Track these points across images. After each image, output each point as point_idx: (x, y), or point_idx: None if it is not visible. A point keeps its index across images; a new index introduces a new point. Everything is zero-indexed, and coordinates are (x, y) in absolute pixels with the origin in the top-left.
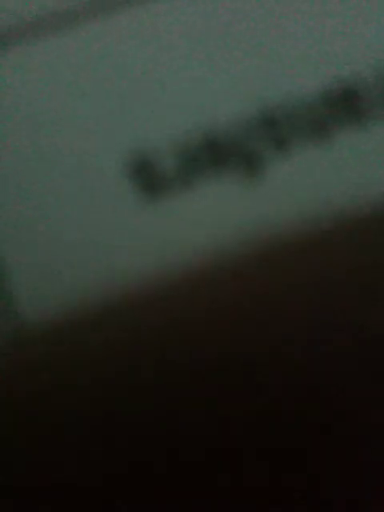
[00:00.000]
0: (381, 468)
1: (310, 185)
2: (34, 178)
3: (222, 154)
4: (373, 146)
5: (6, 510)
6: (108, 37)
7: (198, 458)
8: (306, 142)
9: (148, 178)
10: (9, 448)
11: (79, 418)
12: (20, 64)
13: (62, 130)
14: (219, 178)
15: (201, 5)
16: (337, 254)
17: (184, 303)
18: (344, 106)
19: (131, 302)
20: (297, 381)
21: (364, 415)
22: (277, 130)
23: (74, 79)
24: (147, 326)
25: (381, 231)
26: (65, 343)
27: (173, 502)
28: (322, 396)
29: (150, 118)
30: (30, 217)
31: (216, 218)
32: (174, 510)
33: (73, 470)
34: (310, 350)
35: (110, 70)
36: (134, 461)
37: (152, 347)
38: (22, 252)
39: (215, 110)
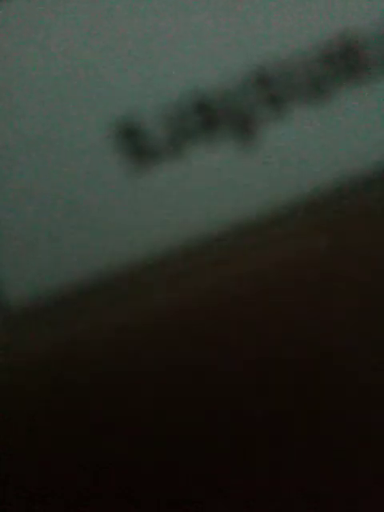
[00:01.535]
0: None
1: (308, 146)
2: (18, 150)
3: (213, 117)
4: (373, 104)
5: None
6: (96, 5)
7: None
8: (302, 102)
9: (136, 146)
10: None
11: (71, 399)
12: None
13: (47, 98)
14: (211, 143)
15: None
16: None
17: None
18: (342, 62)
19: (121, 282)
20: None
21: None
22: (271, 90)
23: (59, 47)
24: (138, 307)
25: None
26: (52, 324)
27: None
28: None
29: (137, 82)
30: (15, 190)
31: (209, 186)
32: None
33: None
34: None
35: (96, 36)
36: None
37: (141, 327)
38: (6, 229)
39: (205, 70)
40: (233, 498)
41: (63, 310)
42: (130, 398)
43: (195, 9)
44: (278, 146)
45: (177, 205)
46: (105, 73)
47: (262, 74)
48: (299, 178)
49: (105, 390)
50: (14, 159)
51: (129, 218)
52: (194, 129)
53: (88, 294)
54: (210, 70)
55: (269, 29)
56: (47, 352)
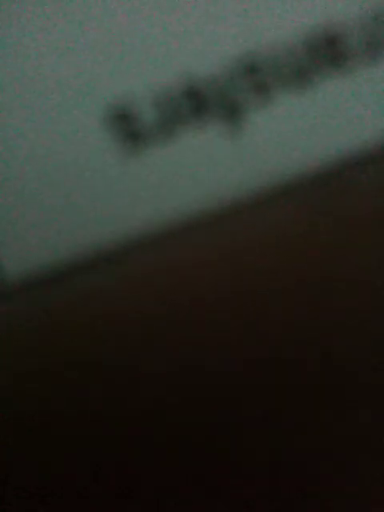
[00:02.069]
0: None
1: (293, 131)
2: (13, 133)
3: (203, 101)
4: (355, 91)
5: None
6: None
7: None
8: (287, 89)
9: (129, 129)
10: None
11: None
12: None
13: (41, 84)
14: (201, 127)
15: None
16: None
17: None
18: (326, 51)
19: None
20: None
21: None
22: (258, 77)
23: (53, 33)
24: (131, 278)
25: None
26: (48, 295)
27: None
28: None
29: (130, 67)
30: (11, 172)
31: (199, 168)
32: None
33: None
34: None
35: (90, 23)
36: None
37: (127, 297)
38: (4, 209)
39: (196, 58)
40: (230, 497)
41: (57, 285)
42: (121, 367)
43: (188, 3)
44: (264, 131)
45: (168, 186)
46: (99, 60)
47: (250, 63)
48: (284, 161)
49: (97, 360)
50: (10, 143)
51: (121, 199)
52: (184, 113)
53: (81, 270)
54: (200, 58)
55: (256, 20)
56: (42, 322)
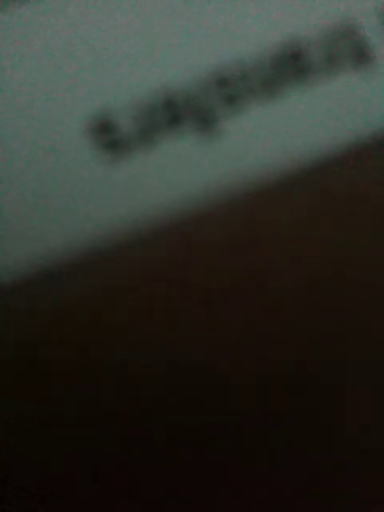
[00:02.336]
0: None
1: (262, 138)
2: (2, 147)
3: (179, 112)
4: (318, 101)
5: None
6: (72, 5)
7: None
8: (256, 99)
9: (109, 138)
10: None
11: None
12: None
13: (25, 93)
14: (177, 135)
15: None
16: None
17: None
18: (290, 65)
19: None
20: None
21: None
22: (229, 89)
23: (37, 45)
24: (118, 281)
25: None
26: (38, 297)
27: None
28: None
29: (111, 81)
30: (3, 181)
31: (176, 174)
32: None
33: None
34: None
35: (72, 35)
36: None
37: (115, 294)
38: None
39: (172, 72)
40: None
41: (48, 284)
42: (119, 367)
43: (163, 19)
44: (235, 138)
45: (148, 191)
46: (80, 74)
47: (221, 76)
48: (253, 166)
49: (92, 359)
50: None
51: (104, 203)
52: (161, 123)
53: (62, 271)
54: (175, 71)
55: (226, 36)
56: (35, 322)
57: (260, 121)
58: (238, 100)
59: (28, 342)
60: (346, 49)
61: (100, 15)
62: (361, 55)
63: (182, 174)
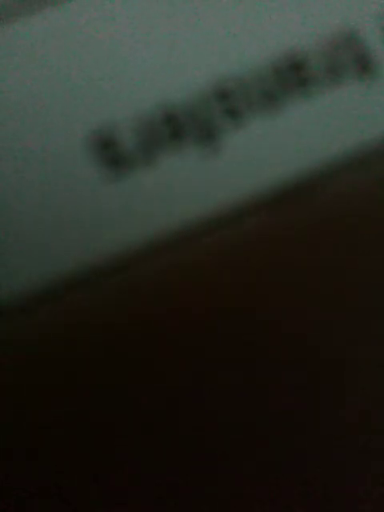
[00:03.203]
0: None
1: (264, 152)
2: (4, 162)
3: (180, 127)
4: (319, 113)
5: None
6: (70, 18)
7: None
8: (258, 112)
9: (111, 154)
10: None
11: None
12: None
13: (26, 109)
14: (179, 150)
15: None
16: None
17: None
18: (291, 77)
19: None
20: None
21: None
22: (230, 102)
23: (37, 59)
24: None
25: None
26: (37, 319)
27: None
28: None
29: (111, 97)
30: (3, 197)
31: (179, 188)
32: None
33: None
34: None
35: (72, 50)
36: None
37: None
38: None
39: (172, 86)
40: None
41: (49, 304)
42: (119, 384)
43: (163, 32)
44: (237, 153)
45: (150, 206)
46: (81, 89)
47: (222, 89)
48: (256, 180)
49: (94, 380)
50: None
51: (105, 220)
52: (162, 138)
53: (65, 290)
54: (175, 85)
55: (226, 49)
56: (36, 343)
57: (262, 134)
58: (239, 113)
59: (28, 361)
60: (348, 59)
61: (100, 30)
62: (363, 65)
63: (184, 188)
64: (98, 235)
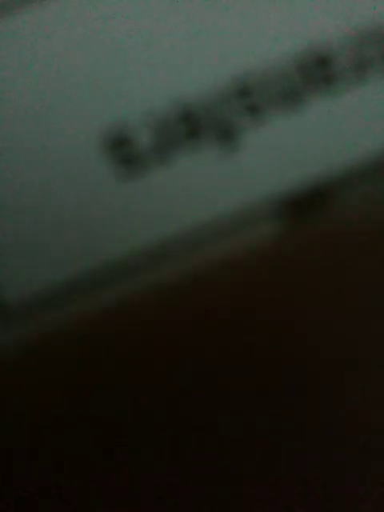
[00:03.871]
0: None
1: (285, 151)
2: (16, 160)
3: (197, 125)
4: (344, 111)
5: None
6: (86, 16)
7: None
8: (279, 109)
9: (126, 153)
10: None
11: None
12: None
13: (41, 108)
14: (196, 149)
15: None
16: None
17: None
18: (315, 72)
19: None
20: None
21: None
22: (250, 99)
23: (52, 58)
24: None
25: None
26: (48, 317)
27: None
28: None
29: (126, 96)
30: (13, 197)
31: (195, 189)
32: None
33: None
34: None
35: (88, 48)
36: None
37: (132, 321)
38: (2, 232)
39: (189, 82)
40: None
41: (57, 306)
42: (120, 387)
43: (180, 30)
44: (257, 151)
45: (165, 207)
46: (96, 87)
47: (242, 86)
48: (277, 179)
49: (94, 380)
50: (13, 170)
51: (120, 220)
52: (178, 137)
53: (80, 291)
54: (193, 83)
55: (247, 44)
56: (42, 342)
57: (283, 132)
58: (260, 111)
59: (32, 366)
60: (376, 55)
61: (117, 24)
62: None
63: (200, 189)
64: (112, 237)
